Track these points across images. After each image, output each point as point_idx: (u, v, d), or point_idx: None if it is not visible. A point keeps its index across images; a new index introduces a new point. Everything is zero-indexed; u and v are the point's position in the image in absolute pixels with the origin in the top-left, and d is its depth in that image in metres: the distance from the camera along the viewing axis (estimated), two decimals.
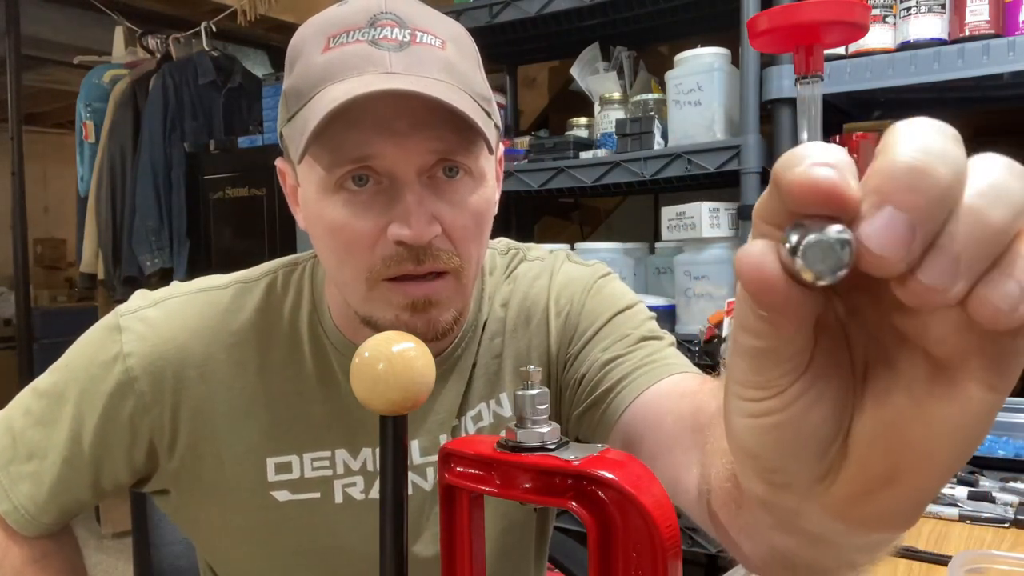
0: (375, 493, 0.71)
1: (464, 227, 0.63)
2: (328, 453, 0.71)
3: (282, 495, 0.70)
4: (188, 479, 0.71)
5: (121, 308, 0.71)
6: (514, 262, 0.81)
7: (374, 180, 0.60)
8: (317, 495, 0.71)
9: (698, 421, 0.55)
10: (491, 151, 0.64)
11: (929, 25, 1.52)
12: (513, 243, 0.85)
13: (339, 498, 0.71)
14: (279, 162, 0.69)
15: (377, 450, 0.62)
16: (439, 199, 0.61)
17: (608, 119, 1.96)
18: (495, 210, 0.69)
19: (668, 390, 0.66)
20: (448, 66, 0.61)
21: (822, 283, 0.23)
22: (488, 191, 0.66)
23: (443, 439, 0.74)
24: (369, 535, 0.70)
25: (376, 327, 0.63)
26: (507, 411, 0.76)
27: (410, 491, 0.57)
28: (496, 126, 0.66)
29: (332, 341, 0.71)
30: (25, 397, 0.73)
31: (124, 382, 0.68)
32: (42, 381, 0.72)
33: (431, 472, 0.74)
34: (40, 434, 0.70)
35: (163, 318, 0.70)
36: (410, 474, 0.72)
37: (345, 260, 0.62)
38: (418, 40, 0.60)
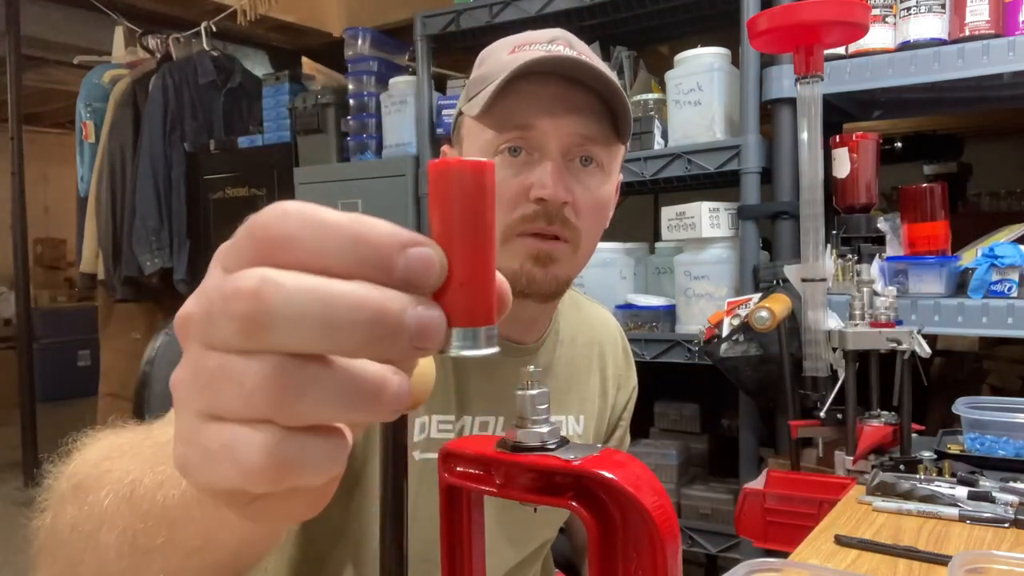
0: None
1: (588, 207, 0.75)
2: (452, 418, 0.78)
3: (416, 454, 0.76)
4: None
5: None
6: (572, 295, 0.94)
7: (525, 152, 0.74)
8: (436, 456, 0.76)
9: None
10: (623, 140, 0.77)
11: (929, 25, 1.52)
12: None
13: None
14: (446, 147, 0.83)
15: (489, 419, 0.80)
16: (574, 180, 0.74)
17: None
18: (610, 214, 0.81)
19: None
20: (607, 71, 0.74)
21: None
22: (610, 187, 0.78)
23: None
24: None
25: None
26: (579, 429, 0.89)
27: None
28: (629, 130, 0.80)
29: None
30: None
31: None
32: None
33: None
34: None
35: None
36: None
37: None
38: (585, 56, 0.74)
